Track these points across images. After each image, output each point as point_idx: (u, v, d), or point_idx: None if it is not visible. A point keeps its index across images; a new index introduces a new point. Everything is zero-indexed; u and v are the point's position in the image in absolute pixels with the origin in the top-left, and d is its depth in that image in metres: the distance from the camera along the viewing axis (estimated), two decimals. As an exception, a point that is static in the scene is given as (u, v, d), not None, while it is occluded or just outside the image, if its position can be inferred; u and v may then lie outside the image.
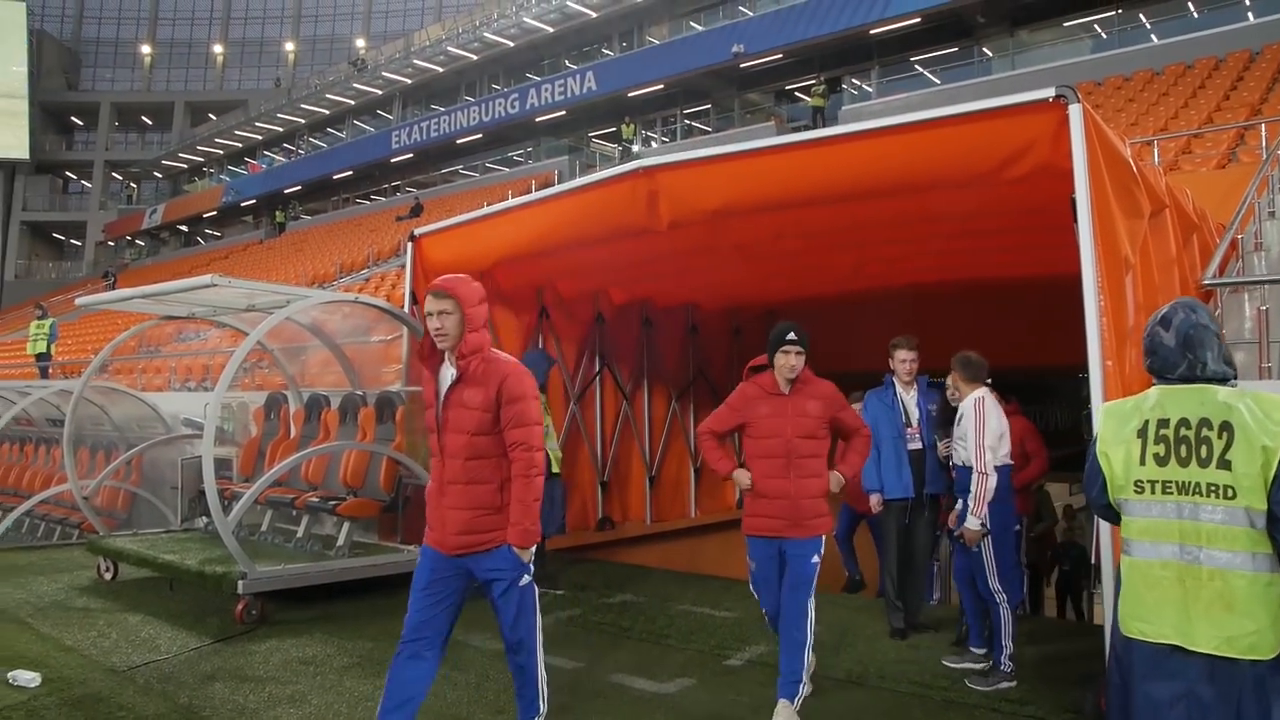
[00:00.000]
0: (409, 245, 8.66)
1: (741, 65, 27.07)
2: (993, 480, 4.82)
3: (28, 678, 4.88)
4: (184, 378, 15.53)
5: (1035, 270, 7.36)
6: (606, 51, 33.05)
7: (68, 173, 54.46)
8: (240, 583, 6.11)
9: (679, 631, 6.04)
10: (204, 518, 8.39)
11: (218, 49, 54.32)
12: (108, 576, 7.60)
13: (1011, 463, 5.05)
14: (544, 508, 7.06)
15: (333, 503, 7.15)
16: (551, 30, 33.78)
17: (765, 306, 11.88)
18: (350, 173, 41.23)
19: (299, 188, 43.43)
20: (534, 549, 3.93)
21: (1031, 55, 23.80)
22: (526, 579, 3.96)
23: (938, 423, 5.93)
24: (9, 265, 50.43)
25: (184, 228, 49.76)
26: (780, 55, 26.49)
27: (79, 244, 52.78)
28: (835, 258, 8.46)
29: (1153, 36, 21.68)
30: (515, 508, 3.77)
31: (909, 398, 6.06)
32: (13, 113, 48.53)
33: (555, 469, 7.31)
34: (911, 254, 8.21)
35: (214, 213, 47.01)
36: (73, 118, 54.15)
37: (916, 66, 25.55)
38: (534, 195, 7.58)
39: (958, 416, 5.07)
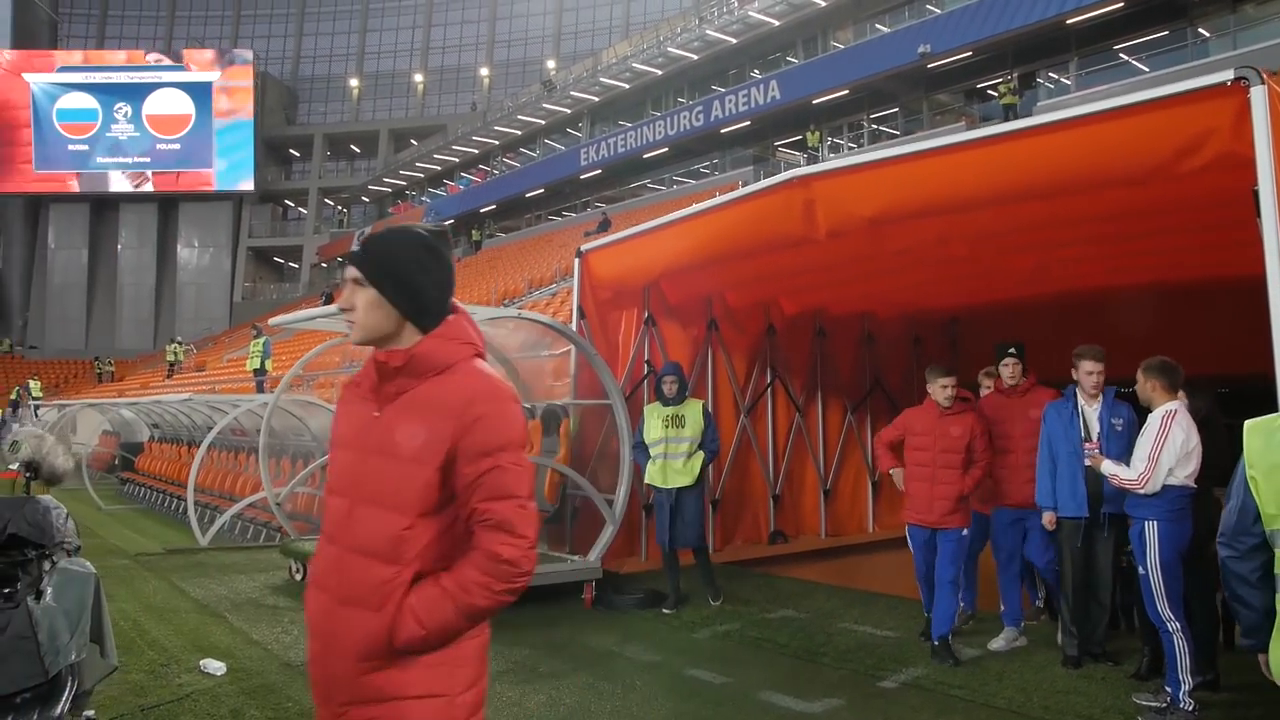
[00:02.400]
0: (576, 262, 8.86)
1: (929, 65, 26.18)
2: (1147, 484, 4.52)
3: (215, 666, 5.31)
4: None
5: (1222, 271, 6.75)
6: (790, 60, 32.76)
7: (286, 201, 59.00)
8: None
9: (836, 650, 5.87)
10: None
11: (418, 78, 57.48)
12: (298, 577, 8.14)
13: (1194, 486, 4.61)
14: (674, 522, 7.08)
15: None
16: (734, 41, 33.81)
17: (946, 314, 11.44)
18: (541, 190, 42.64)
19: (494, 206, 45.31)
20: None
21: (1259, 31, 21.67)
22: None
23: (1125, 437, 5.52)
24: (237, 288, 55.16)
25: (390, 248, 52.78)
26: (969, 53, 25.43)
27: (296, 266, 57.04)
28: (1011, 261, 8.04)
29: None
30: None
31: (1091, 410, 5.65)
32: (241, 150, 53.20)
33: (662, 482, 7.22)
34: (1093, 255, 7.71)
35: (417, 233, 49.62)
36: (290, 150, 58.65)
37: (1120, 55, 23.92)
38: (693, 208, 7.60)
39: (1145, 427, 4.71)
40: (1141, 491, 4.56)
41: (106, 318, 54.38)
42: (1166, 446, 4.46)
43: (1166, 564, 4.52)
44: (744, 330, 9.91)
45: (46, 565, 3.69)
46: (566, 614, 6.90)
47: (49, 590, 3.57)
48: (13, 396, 32.66)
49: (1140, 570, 4.59)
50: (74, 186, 53.59)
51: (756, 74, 33.19)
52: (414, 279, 2.10)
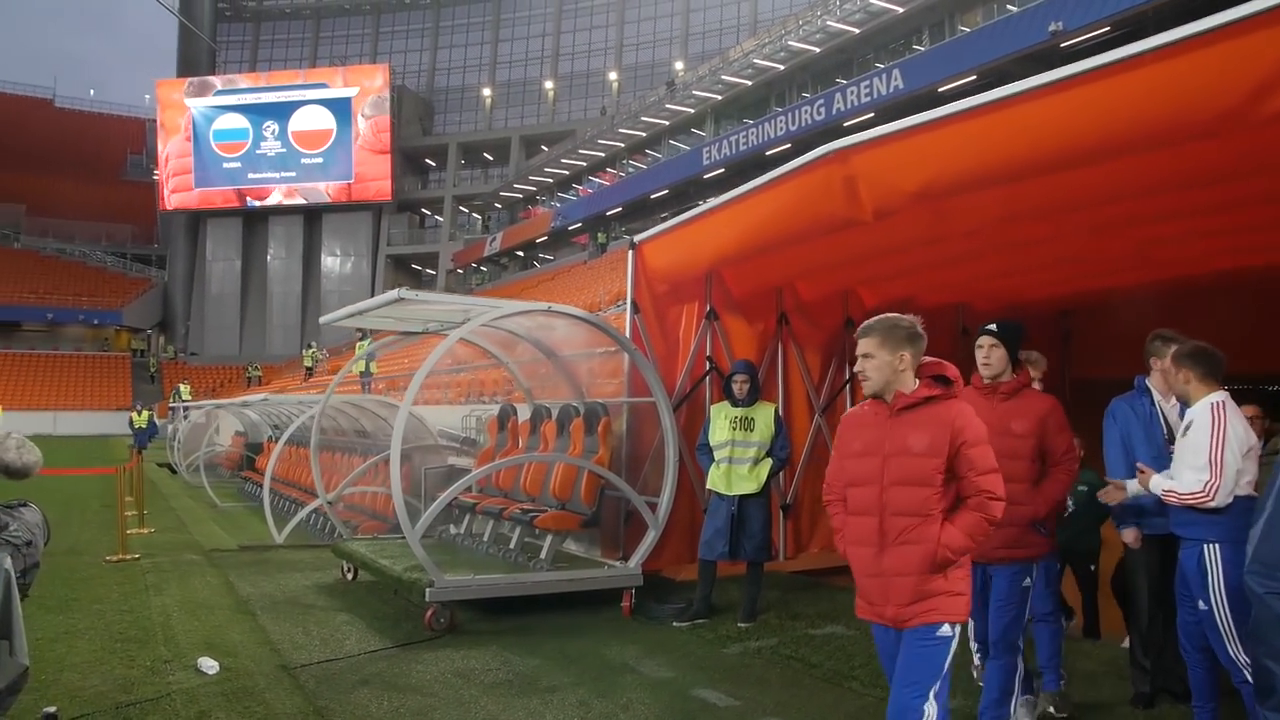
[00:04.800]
0: (630, 254, 8.48)
1: (1061, 45, 24.61)
2: (1216, 495, 3.71)
3: (209, 666, 5.23)
4: (465, 394, 16.53)
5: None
6: (917, 48, 31.51)
7: (423, 209, 60.90)
8: (428, 591, 6.16)
9: (869, 673, 5.28)
10: (451, 526, 8.71)
11: (548, 85, 58.32)
12: (349, 577, 8.06)
13: (1256, 494, 3.81)
14: (737, 533, 6.57)
15: (531, 515, 7.08)
16: (857, 32, 32.78)
17: (1055, 305, 10.49)
18: (666, 191, 42.45)
19: (619, 209, 45.42)
20: None
21: None
22: None
23: None
24: (376, 294, 57.30)
25: (520, 253, 53.79)
26: (1106, 28, 23.76)
27: (433, 273, 58.77)
28: (1105, 244, 7.18)
29: None
30: None
31: (1170, 408, 4.87)
32: (380, 156, 55.17)
33: (725, 488, 6.71)
34: (1194, 233, 6.79)
35: (545, 237, 50.38)
36: (426, 160, 60.53)
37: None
38: (736, 191, 7.09)
39: (1185, 426, 3.95)
40: (1211, 505, 3.77)
41: (258, 325, 57.32)
42: (1228, 445, 3.71)
43: (1236, 594, 3.67)
44: (818, 324, 9.30)
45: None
46: (598, 623, 6.53)
47: None
48: (172, 402, 34.72)
49: (1202, 606, 3.83)
50: (228, 202, 56.75)
51: (880, 65, 32.04)
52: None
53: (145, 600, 7.17)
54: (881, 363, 3.26)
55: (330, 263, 58.11)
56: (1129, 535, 4.68)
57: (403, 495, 6.58)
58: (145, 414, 26.70)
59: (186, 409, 30.97)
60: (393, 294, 6.57)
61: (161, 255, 62.19)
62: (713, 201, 7.34)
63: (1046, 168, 5.12)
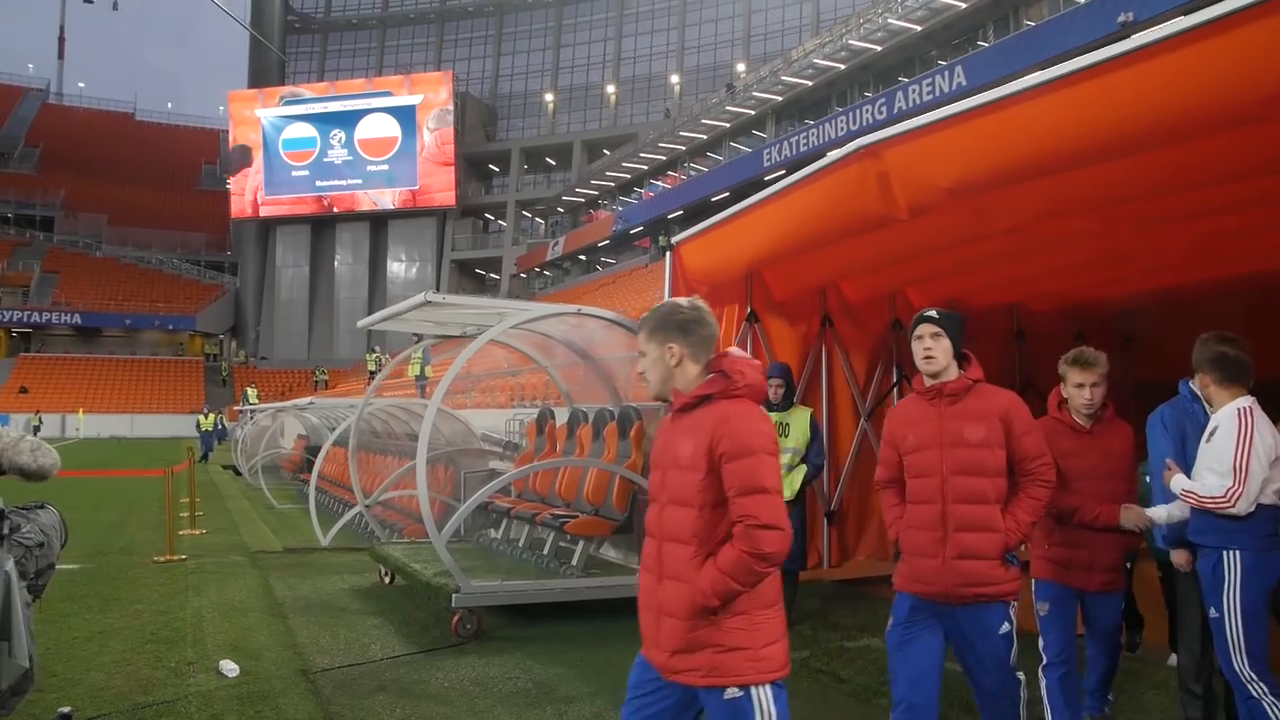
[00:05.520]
0: (668, 256, 8.35)
1: (1131, 37, 23.82)
2: (1238, 502, 3.46)
3: (230, 669, 5.24)
4: (513, 398, 16.55)
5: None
6: (981, 44, 30.85)
7: (486, 214, 61.47)
8: (454, 596, 6.10)
9: (900, 690, 5.07)
10: (491, 530, 8.68)
11: (610, 89, 58.46)
12: (386, 581, 8.05)
13: None
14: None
15: (562, 520, 6.99)
16: (919, 29, 32.24)
17: (1115, 304, 10.08)
18: (726, 194, 42.15)
19: (680, 212, 45.26)
20: None
21: None
22: None
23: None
24: (442, 299, 58.11)
25: (582, 257, 53.97)
26: (1178, 18, 22.92)
27: (496, 277, 59.29)
28: (1158, 239, 6.84)
29: None
30: None
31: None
32: (444, 167, 55.88)
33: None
34: (1266, 224, 6.39)
35: (607, 241, 50.46)
36: (490, 165, 61.11)
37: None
38: (771, 189, 6.91)
39: (1210, 431, 3.70)
40: (1231, 511, 3.54)
41: (325, 329, 58.42)
42: (1255, 451, 3.46)
43: (1251, 607, 3.48)
44: (864, 326, 9.06)
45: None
46: (628, 631, 6.34)
47: None
48: (240, 405, 35.52)
49: (1213, 613, 3.59)
50: (297, 209, 57.98)
51: (942, 62, 31.43)
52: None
53: (183, 601, 7.25)
54: (653, 359, 2.74)
55: (396, 268, 58.98)
56: (1179, 557, 4.33)
57: (443, 499, 6.57)
58: (212, 417, 27.33)
59: (253, 412, 31.70)
60: (420, 297, 6.54)
61: (234, 262, 63.87)
62: (748, 200, 7.17)
63: (1085, 159, 4.85)
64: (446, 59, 62.40)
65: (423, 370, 18.67)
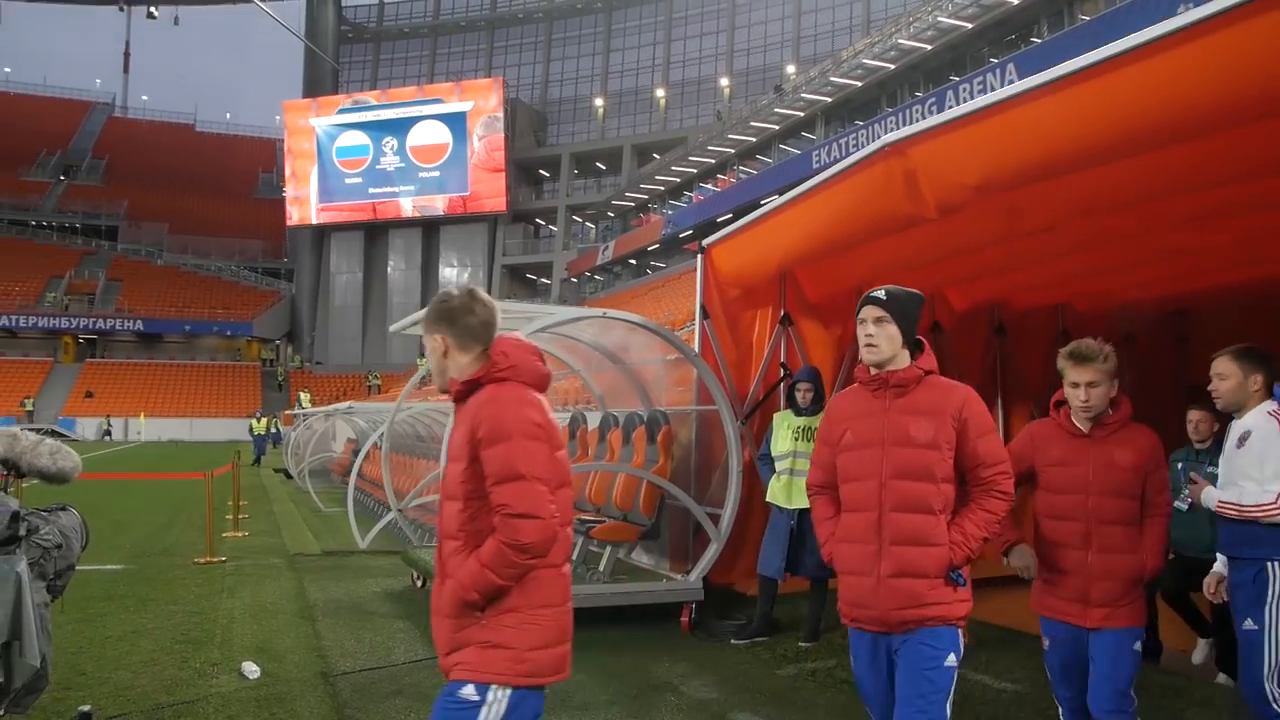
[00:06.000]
0: (699, 258, 8.28)
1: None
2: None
3: (251, 670, 5.29)
4: (557, 402, 16.56)
5: None
6: (1034, 40, 30.28)
7: (537, 219, 61.84)
8: (478, 601, 6.07)
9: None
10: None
11: (660, 93, 58.47)
12: (419, 584, 8.07)
13: None
14: (796, 548, 6.28)
15: (589, 525, 6.94)
16: (970, 27, 31.72)
17: (1166, 304, 9.78)
18: (775, 196, 41.66)
19: (729, 215, 45.01)
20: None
21: None
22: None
23: None
24: (493, 304, 58.64)
25: (633, 261, 54.01)
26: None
27: (547, 282, 59.57)
28: (1203, 236, 6.60)
29: None
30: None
31: None
32: (494, 174, 56.36)
33: (785, 501, 6.43)
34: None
35: (657, 245, 50.42)
36: (540, 170, 61.48)
37: None
38: (799, 189, 6.82)
39: (1239, 436, 3.53)
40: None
41: (379, 335, 59.13)
42: None
43: None
44: (902, 328, 8.89)
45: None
46: (653, 638, 6.33)
47: None
48: (294, 410, 36.14)
49: (1250, 624, 3.41)
50: (351, 216, 58.86)
51: (994, 60, 30.91)
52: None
53: (216, 603, 7.34)
54: (429, 350, 2.64)
55: (448, 273, 59.54)
56: (1215, 587, 4.07)
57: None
58: (264, 421, 27.75)
59: (305, 416, 32.21)
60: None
61: (290, 268, 65.02)
62: (777, 201, 7.08)
63: (1115, 153, 4.69)
64: (497, 66, 62.90)
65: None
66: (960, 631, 2.93)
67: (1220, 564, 3.71)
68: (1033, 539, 3.53)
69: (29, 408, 49.44)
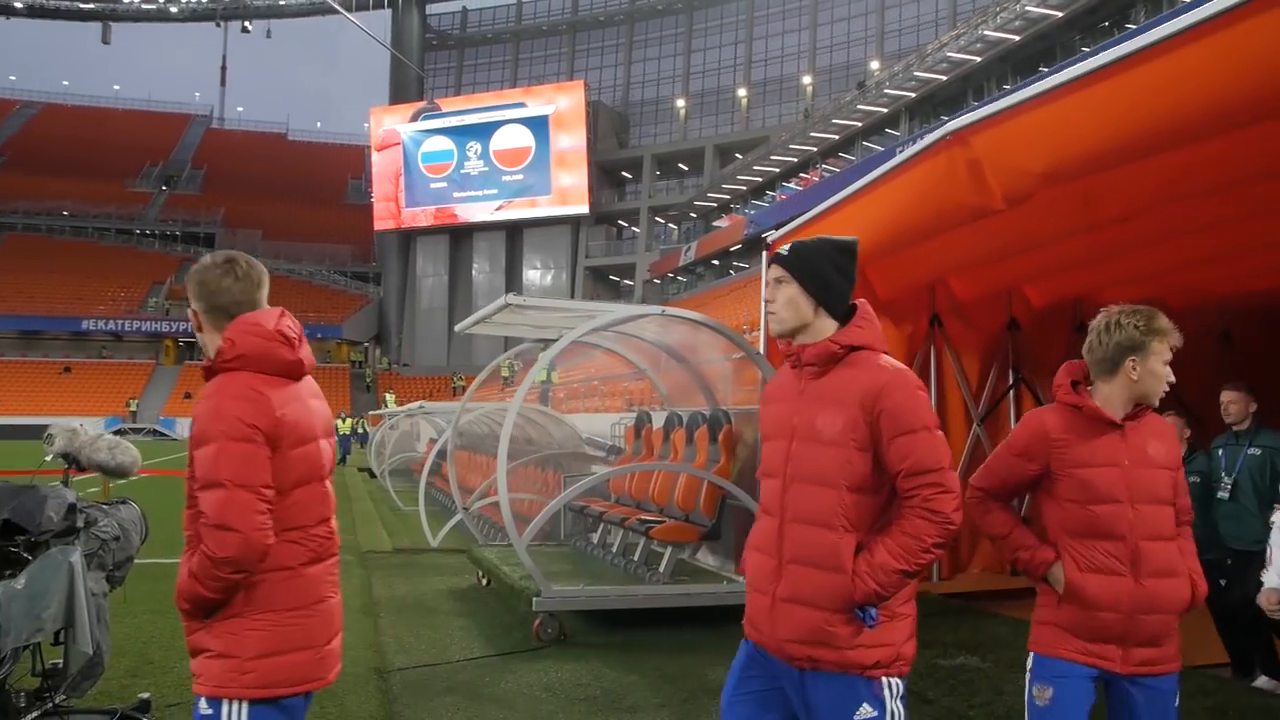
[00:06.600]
0: (764, 255, 8.13)
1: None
2: None
3: None
4: (628, 401, 16.53)
5: None
6: (1129, 26, 29.20)
7: (620, 221, 62.07)
8: (535, 600, 6.07)
9: (988, 715, 4.73)
10: (592, 535, 8.64)
11: (741, 92, 58.16)
12: (483, 583, 8.10)
13: None
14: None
15: (648, 525, 6.87)
16: (1060, 15, 30.75)
17: (1271, 298, 9.27)
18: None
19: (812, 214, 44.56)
20: None
21: None
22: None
23: None
24: (576, 306, 59.20)
25: (715, 261, 53.81)
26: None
27: (630, 283, 59.76)
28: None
29: None
30: None
31: None
32: (577, 176, 56.79)
33: None
34: None
35: (739, 245, 50.15)
36: (623, 172, 61.72)
37: None
38: (860, 182, 6.63)
39: None
40: None
41: (464, 337, 59.76)
42: None
43: None
44: (975, 326, 8.61)
45: (35, 551, 3.78)
46: (714, 641, 6.21)
47: (23, 575, 3.63)
48: (379, 411, 36.92)
49: None
50: (436, 220, 59.96)
51: (1086, 49, 29.88)
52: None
53: (284, 598, 7.46)
54: (193, 324, 2.45)
55: (532, 276, 60.19)
56: (1271, 600, 3.48)
57: (544, 500, 6.54)
58: (349, 421, 28.36)
59: (389, 417, 32.89)
60: (502, 301, 6.55)
61: (377, 272, 66.50)
62: (838, 195, 6.91)
63: (1201, 133, 4.42)
64: (579, 68, 63.39)
65: (549, 376, 18.95)
66: (886, 684, 2.30)
67: (1275, 575, 3.42)
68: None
69: (133, 408, 51.67)
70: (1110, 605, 2.63)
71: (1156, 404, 2.82)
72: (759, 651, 2.42)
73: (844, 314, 2.39)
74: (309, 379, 2.51)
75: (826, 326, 2.37)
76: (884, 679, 2.29)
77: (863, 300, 2.46)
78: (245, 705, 2.24)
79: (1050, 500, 2.78)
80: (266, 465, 2.25)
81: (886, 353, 2.41)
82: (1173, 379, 2.78)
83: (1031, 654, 2.79)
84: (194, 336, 2.49)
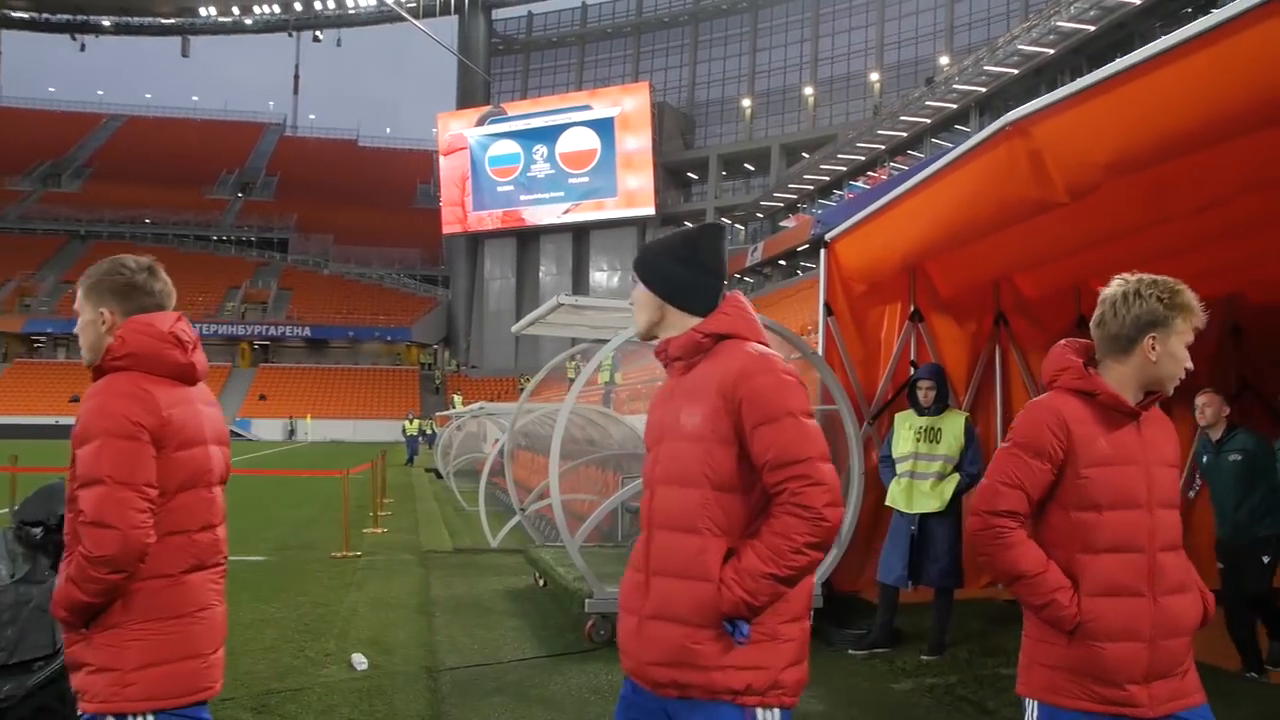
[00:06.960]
0: (822, 253, 8.01)
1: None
2: None
3: (360, 662, 5.44)
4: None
5: None
6: (1213, 11, 28.17)
7: (685, 222, 61.84)
8: (586, 602, 6.03)
9: (1051, 723, 4.55)
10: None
11: (808, 91, 57.61)
12: (540, 584, 8.10)
13: None
14: (919, 555, 5.94)
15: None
16: (1138, 2, 29.80)
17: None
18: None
19: (878, 213, 43.98)
20: None
21: None
22: None
23: None
24: (641, 309, 59.20)
25: (782, 261, 53.39)
26: None
27: (696, 284, 59.59)
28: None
29: None
30: None
31: None
32: (643, 178, 56.86)
33: (906, 505, 6.11)
34: None
35: (806, 245, 49.67)
36: (688, 173, 61.62)
37: None
38: (918, 177, 6.47)
39: None
40: None
41: (531, 339, 60.25)
42: None
43: None
44: (1043, 324, 8.35)
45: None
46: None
47: None
48: (447, 412, 37.43)
49: None
50: (504, 223, 60.56)
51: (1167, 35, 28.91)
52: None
53: (341, 596, 7.56)
54: (85, 322, 2.35)
55: (599, 277, 60.40)
56: None
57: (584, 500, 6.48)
58: (416, 423, 28.76)
59: (456, 418, 33.29)
60: (554, 301, 6.53)
61: (446, 275, 67.45)
62: (896, 190, 6.75)
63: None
64: (644, 69, 63.43)
65: (612, 376, 19.01)
66: (760, 715, 2.03)
67: None
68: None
69: (211, 409, 53.12)
70: (1131, 634, 2.21)
71: (1170, 392, 2.36)
72: (629, 683, 2.19)
73: (710, 307, 2.21)
74: (203, 386, 2.49)
75: (688, 322, 2.21)
76: (758, 709, 2.03)
77: (735, 291, 2.30)
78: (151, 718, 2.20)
79: (1056, 509, 2.32)
80: (151, 464, 2.20)
81: (761, 342, 2.19)
82: (1190, 366, 2.36)
83: (1031, 703, 2.36)
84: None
